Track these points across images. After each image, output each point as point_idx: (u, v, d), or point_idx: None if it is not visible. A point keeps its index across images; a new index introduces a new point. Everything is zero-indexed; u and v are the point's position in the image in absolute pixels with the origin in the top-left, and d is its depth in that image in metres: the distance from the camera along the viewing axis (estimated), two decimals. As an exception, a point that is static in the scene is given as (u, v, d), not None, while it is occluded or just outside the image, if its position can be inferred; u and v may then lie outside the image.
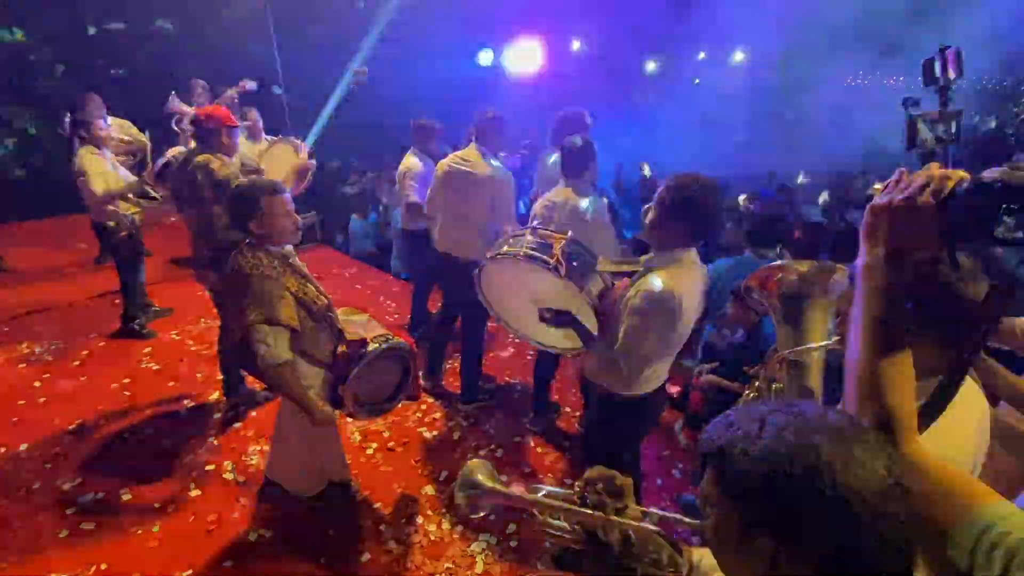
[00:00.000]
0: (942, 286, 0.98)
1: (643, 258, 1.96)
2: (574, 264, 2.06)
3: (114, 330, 4.39)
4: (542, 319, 2.07)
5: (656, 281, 1.80)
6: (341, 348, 2.44)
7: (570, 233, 2.20)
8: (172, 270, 5.70)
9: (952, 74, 1.72)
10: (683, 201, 1.77)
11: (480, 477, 1.00)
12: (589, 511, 0.86)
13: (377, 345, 2.42)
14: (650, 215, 1.85)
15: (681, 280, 1.81)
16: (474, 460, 1.06)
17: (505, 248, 2.23)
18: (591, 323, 2.09)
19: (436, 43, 9.01)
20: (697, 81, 18.79)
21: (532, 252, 2.11)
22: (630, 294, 1.89)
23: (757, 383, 1.41)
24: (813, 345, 1.33)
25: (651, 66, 14.56)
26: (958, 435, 1.02)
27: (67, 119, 4.87)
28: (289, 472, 2.76)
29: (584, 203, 2.95)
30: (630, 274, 2.00)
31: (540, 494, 0.93)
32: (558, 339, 2.40)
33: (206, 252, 3.12)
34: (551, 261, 2.03)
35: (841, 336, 1.19)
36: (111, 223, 4.04)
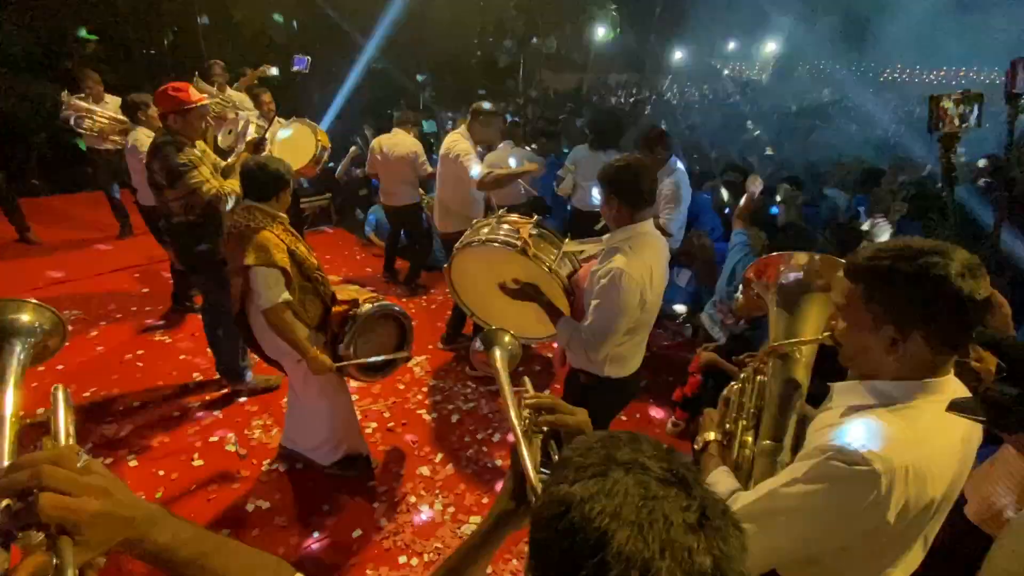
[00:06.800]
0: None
1: (604, 237, 2.02)
2: (540, 246, 2.09)
3: (166, 309, 4.49)
4: (506, 291, 2.10)
5: (619, 261, 1.87)
6: (335, 308, 2.53)
7: (536, 217, 2.24)
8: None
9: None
10: (618, 182, 1.93)
11: (498, 347, 1.05)
12: (517, 427, 0.87)
13: (370, 305, 2.48)
14: (601, 199, 1.99)
15: (642, 254, 1.92)
16: (509, 337, 1.09)
17: (472, 237, 2.27)
18: (562, 304, 2.12)
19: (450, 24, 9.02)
20: (726, 72, 18.37)
21: (498, 237, 2.15)
22: (599, 273, 1.91)
23: (743, 374, 1.37)
24: (804, 339, 1.29)
25: (677, 55, 14.28)
26: (937, 444, 0.97)
27: (63, 98, 4.94)
28: (307, 441, 2.83)
29: None
30: (596, 254, 2.04)
31: (521, 390, 0.96)
32: (531, 326, 2.38)
33: (165, 237, 3.17)
34: (518, 243, 2.08)
35: (832, 332, 1.15)
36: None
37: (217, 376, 3.58)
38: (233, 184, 3.03)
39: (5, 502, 0.57)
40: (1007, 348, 0.64)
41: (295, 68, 4.07)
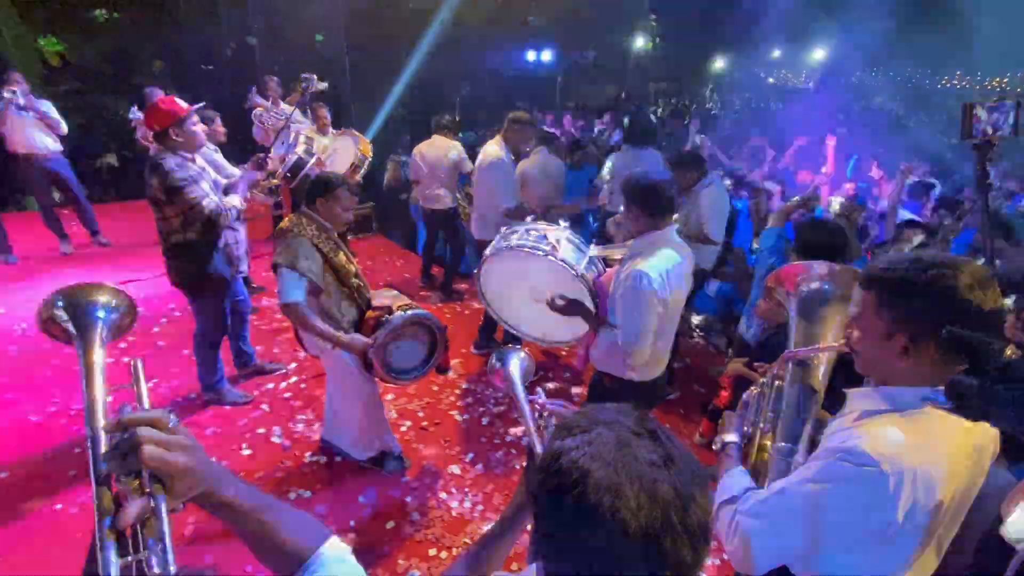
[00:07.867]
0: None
1: (628, 243, 2.09)
2: (568, 251, 2.18)
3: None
4: (553, 307, 2.16)
5: (639, 263, 1.94)
6: (369, 314, 2.65)
7: (564, 224, 2.33)
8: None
9: None
10: (638, 192, 1.99)
11: (513, 363, 1.15)
12: (532, 428, 1.01)
13: (402, 312, 2.59)
14: (622, 209, 2.08)
15: (661, 259, 1.97)
16: (523, 353, 1.20)
17: (501, 244, 2.38)
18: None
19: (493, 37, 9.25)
20: (772, 80, 17.95)
21: (527, 244, 2.25)
22: (621, 278, 1.98)
23: (763, 379, 1.41)
24: (820, 346, 1.32)
25: (719, 63, 14.10)
26: (946, 450, 1.00)
27: (132, 113, 5.35)
28: (342, 436, 2.98)
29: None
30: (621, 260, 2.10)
31: (535, 399, 1.07)
32: (556, 330, 2.46)
33: (165, 253, 3.10)
34: (546, 250, 2.18)
35: (847, 339, 1.18)
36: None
37: (265, 371, 3.81)
38: (233, 200, 3.08)
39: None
40: (970, 344, 0.69)
41: (304, 86, 4.56)
